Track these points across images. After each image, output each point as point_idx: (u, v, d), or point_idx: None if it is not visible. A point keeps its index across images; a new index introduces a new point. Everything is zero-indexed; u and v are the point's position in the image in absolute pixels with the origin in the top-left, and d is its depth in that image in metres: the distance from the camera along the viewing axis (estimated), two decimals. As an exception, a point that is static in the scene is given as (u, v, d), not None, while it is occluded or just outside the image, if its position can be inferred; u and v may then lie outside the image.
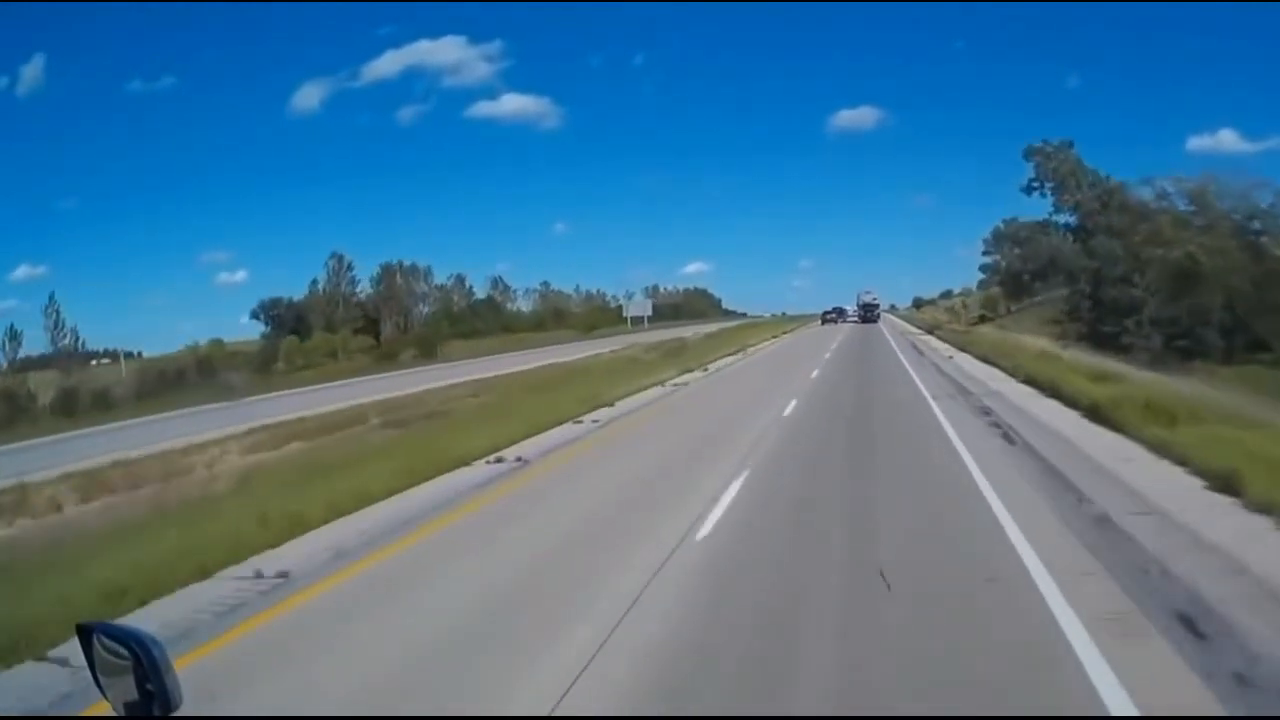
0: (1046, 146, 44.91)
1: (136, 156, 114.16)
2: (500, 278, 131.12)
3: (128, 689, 1.81)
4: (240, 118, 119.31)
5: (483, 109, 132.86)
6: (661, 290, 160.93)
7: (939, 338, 44.84)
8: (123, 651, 1.82)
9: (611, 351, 49.33)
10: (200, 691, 3.94)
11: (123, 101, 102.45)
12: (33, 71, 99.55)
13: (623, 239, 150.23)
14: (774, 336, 55.53)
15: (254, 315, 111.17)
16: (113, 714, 1.89)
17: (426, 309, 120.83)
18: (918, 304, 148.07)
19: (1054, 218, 46.81)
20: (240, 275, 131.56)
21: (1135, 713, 3.96)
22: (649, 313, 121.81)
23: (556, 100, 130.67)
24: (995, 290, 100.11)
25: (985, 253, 72.43)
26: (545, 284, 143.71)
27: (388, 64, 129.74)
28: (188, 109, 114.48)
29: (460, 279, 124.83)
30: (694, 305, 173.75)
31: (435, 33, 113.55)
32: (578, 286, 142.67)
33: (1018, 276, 70.53)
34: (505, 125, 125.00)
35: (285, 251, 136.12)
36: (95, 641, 1.91)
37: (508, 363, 46.70)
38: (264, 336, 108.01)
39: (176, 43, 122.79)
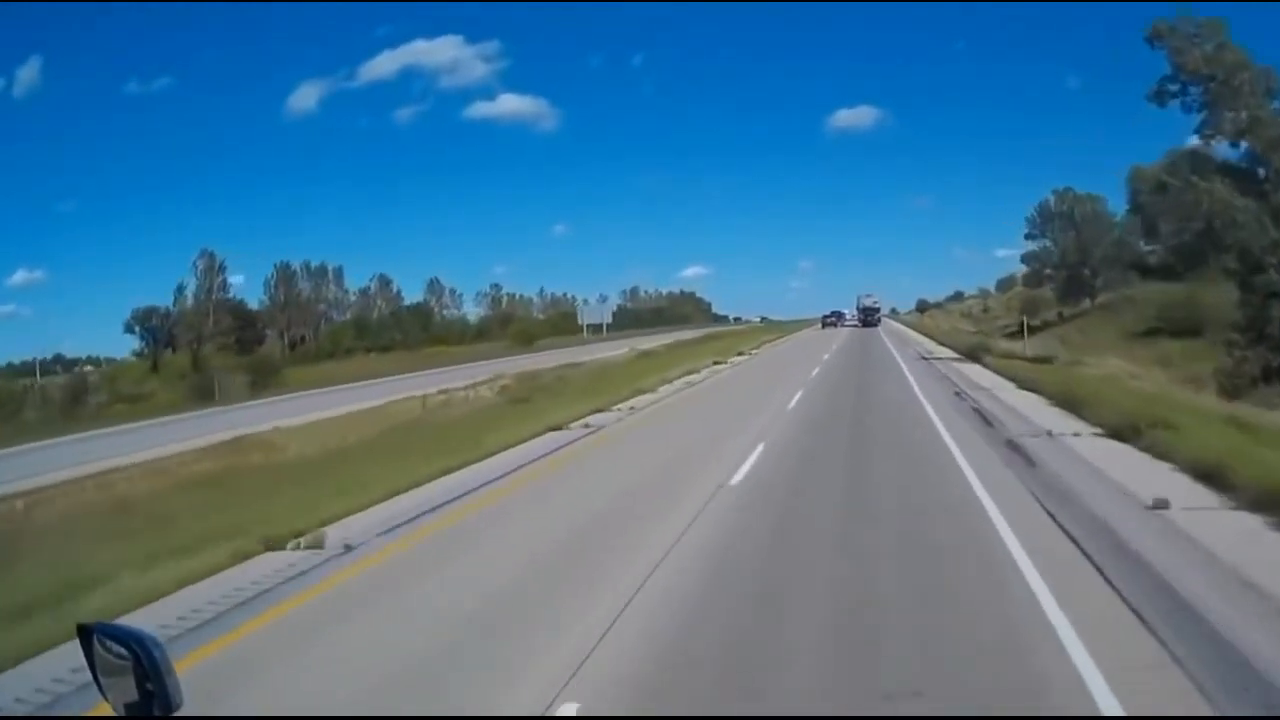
0: (1186, 24, 24.21)
1: (135, 158, 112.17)
2: (437, 280, 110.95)
3: (128, 689, 1.76)
4: (237, 118, 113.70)
5: (480, 109, 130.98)
6: (643, 293, 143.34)
7: (1000, 370, 24.19)
8: (123, 651, 1.77)
9: (439, 393, 29.25)
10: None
11: (120, 103, 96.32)
12: (29, 73, 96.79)
13: (622, 241, 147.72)
14: (715, 363, 34.74)
15: (128, 328, 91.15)
16: (113, 714, 1.82)
17: (342, 316, 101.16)
18: (922, 307, 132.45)
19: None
20: (240, 278, 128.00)
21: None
22: (608, 319, 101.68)
23: (554, 101, 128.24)
24: (1023, 289, 79.80)
25: (1029, 235, 52.25)
26: (496, 286, 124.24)
27: (385, 64, 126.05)
28: (185, 110, 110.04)
29: (386, 282, 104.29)
30: (680, 309, 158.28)
31: (432, 32, 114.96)
32: (541, 289, 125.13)
33: (1076, 269, 50.03)
34: (503, 126, 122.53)
35: (285, 254, 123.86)
36: (95, 641, 1.85)
37: (302, 407, 28.86)
38: (136, 354, 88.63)
39: (173, 43, 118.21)
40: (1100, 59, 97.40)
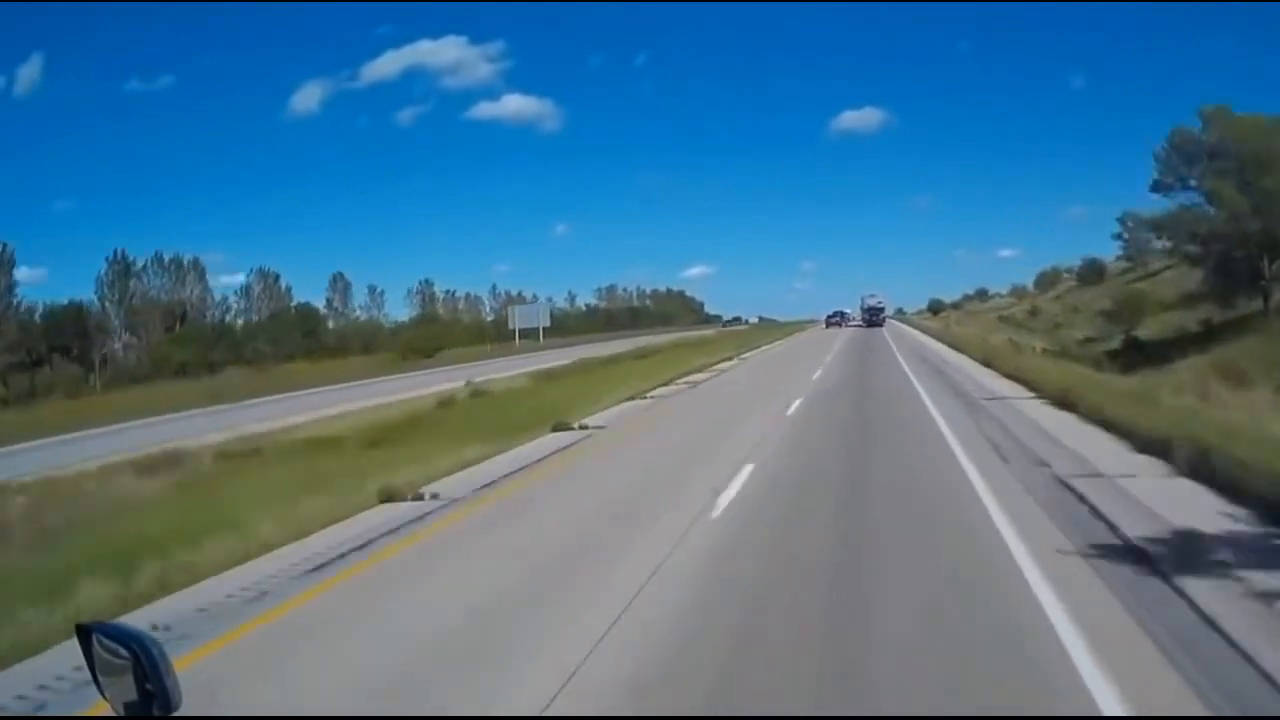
0: None
1: (136, 157, 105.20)
2: (341, 275, 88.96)
3: (127, 689, 1.71)
4: (240, 118, 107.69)
5: (484, 110, 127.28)
6: (620, 291, 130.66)
7: None
8: (122, 651, 1.72)
9: None
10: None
11: (121, 102, 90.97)
12: (30, 71, 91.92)
13: (625, 240, 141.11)
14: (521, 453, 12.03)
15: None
16: (112, 714, 1.75)
17: (218, 320, 79.34)
18: (936, 308, 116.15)
19: None
20: (240, 278, 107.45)
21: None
22: (545, 323, 79.82)
23: (558, 101, 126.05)
24: (1076, 283, 56.79)
25: (1158, 185, 29.60)
26: (427, 283, 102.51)
27: (387, 64, 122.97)
28: (187, 109, 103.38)
29: (269, 278, 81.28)
30: (666, 308, 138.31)
31: (435, 32, 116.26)
32: (494, 287, 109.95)
33: (1246, 242, 27.49)
34: (506, 126, 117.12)
35: (286, 251, 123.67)
36: (94, 641, 1.82)
37: None
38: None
39: (174, 43, 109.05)
40: (1104, 58, 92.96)
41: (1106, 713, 3.77)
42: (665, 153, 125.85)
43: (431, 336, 66.72)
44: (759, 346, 42.53)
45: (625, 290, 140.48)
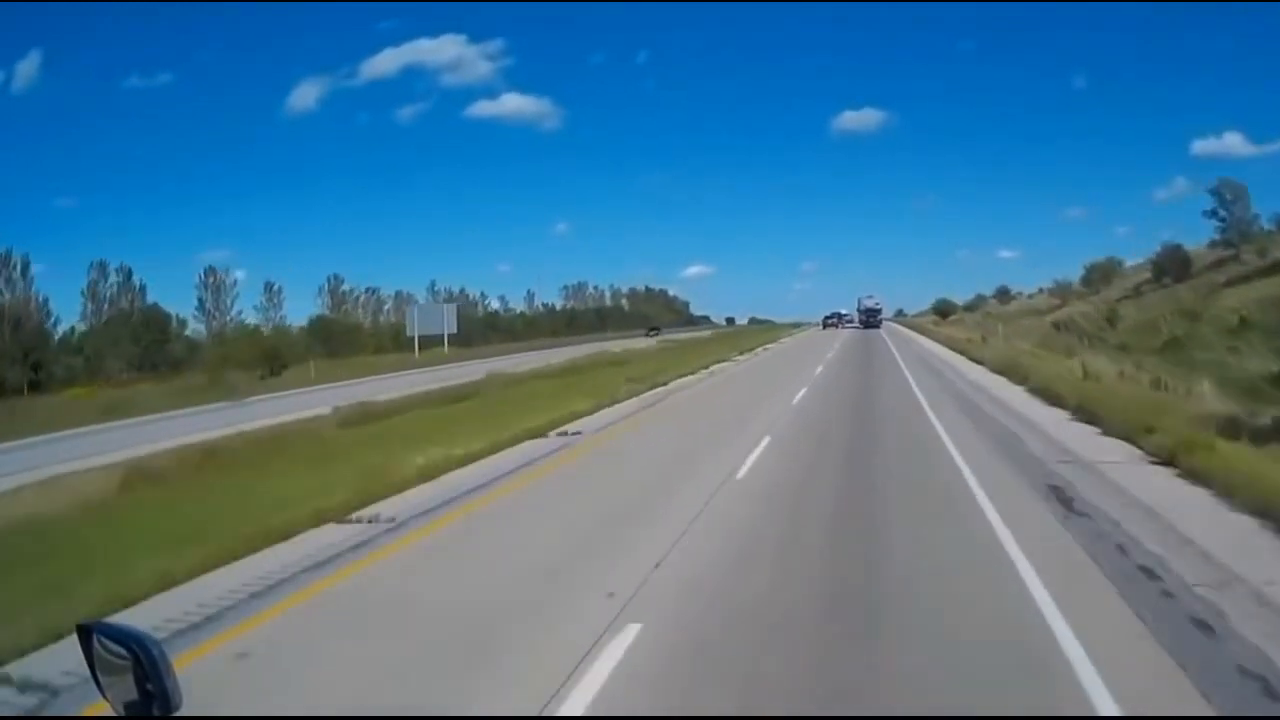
0: None
1: (135, 155, 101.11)
2: (213, 270, 71.61)
3: (128, 689, 1.67)
4: (239, 115, 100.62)
5: (483, 108, 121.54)
6: (591, 290, 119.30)
7: None
8: (123, 652, 1.67)
9: None
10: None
11: (121, 99, 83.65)
12: (29, 68, 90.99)
13: (624, 239, 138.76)
14: None
15: None
16: (112, 714, 1.72)
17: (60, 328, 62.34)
18: (944, 310, 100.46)
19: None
20: (240, 274, 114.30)
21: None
22: (451, 328, 62.77)
23: (558, 100, 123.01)
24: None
25: None
26: (336, 279, 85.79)
27: (386, 61, 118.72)
28: (186, 106, 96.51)
29: (114, 274, 62.95)
30: (645, 308, 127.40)
31: (435, 30, 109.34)
32: (433, 283, 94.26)
33: None
34: (506, 125, 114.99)
35: (286, 248, 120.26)
36: (95, 641, 1.75)
37: None
38: None
39: (173, 40, 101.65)
40: (1107, 58, 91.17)
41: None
42: (665, 152, 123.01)
43: (236, 353, 48.02)
44: (663, 384, 24.21)
45: (595, 288, 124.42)
